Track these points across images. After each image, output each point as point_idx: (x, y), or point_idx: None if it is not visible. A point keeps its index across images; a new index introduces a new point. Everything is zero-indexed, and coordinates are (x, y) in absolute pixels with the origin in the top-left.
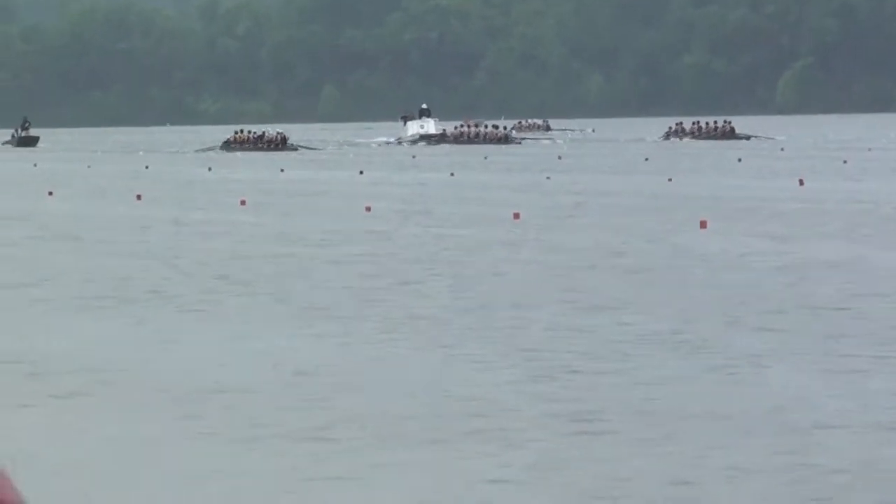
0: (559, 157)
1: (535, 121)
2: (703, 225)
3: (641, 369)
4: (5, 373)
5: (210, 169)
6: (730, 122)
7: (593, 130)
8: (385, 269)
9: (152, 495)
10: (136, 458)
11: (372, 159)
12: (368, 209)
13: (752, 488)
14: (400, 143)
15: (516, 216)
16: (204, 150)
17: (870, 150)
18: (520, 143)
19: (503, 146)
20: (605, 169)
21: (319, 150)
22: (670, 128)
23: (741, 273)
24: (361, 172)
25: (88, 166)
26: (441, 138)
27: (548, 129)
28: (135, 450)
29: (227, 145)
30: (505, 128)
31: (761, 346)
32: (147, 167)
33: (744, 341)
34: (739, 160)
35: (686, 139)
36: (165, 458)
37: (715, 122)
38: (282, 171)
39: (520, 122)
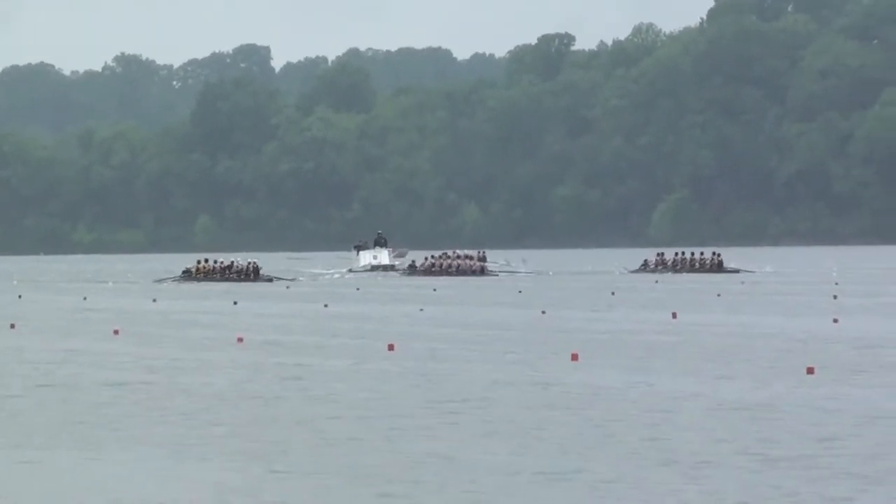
0: (433, 290)
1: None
2: (574, 357)
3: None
4: None
5: (85, 298)
6: (719, 255)
7: (524, 260)
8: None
9: None
10: None
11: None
12: (240, 340)
13: None
14: (352, 272)
15: (391, 347)
16: (159, 281)
17: (742, 283)
18: (497, 275)
19: (478, 278)
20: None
21: (298, 280)
22: (646, 260)
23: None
24: (235, 303)
25: None
26: (412, 270)
27: (483, 260)
28: None
29: (188, 276)
30: (482, 259)
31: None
32: (20, 296)
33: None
34: (613, 293)
35: (667, 273)
36: None
37: (702, 254)
38: (154, 300)
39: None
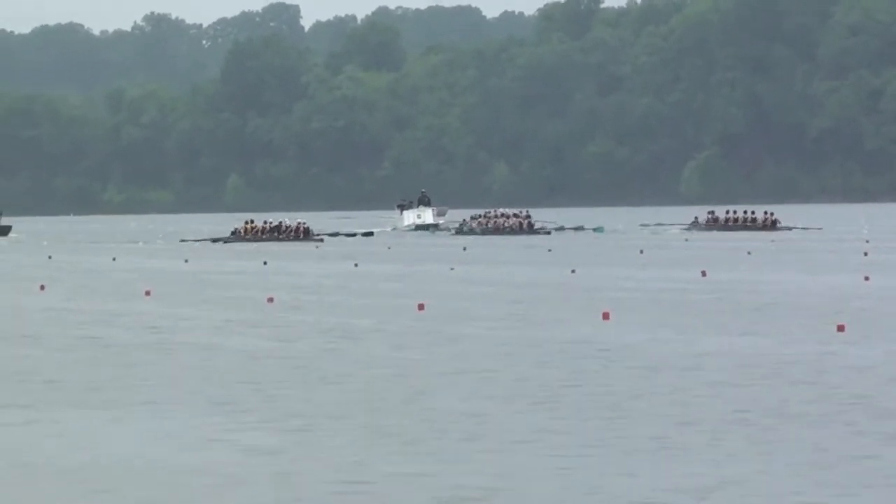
0: (464, 249)
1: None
2: (605, 316)
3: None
4: None
5: (114, 259)
6: (773, 214)
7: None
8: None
9: None
10: None
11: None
12: (271, 300)
13: None
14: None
15: (421, 307)
16: (202, 241)
17: (773, 241)
18: (549, 233)
19: (530, 237)
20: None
21: (348, 238)
22: (696, 218)
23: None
24: (265, 263)
25: None
26: (460, 228)
27: (529, 218)
28: None
29: (237, 236)
30: (528, 216)
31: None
32: (50, 257)
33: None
34: (641, 251)
35: (716, 231)
36: None
37: (753, 213)
38: (185, 261)
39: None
